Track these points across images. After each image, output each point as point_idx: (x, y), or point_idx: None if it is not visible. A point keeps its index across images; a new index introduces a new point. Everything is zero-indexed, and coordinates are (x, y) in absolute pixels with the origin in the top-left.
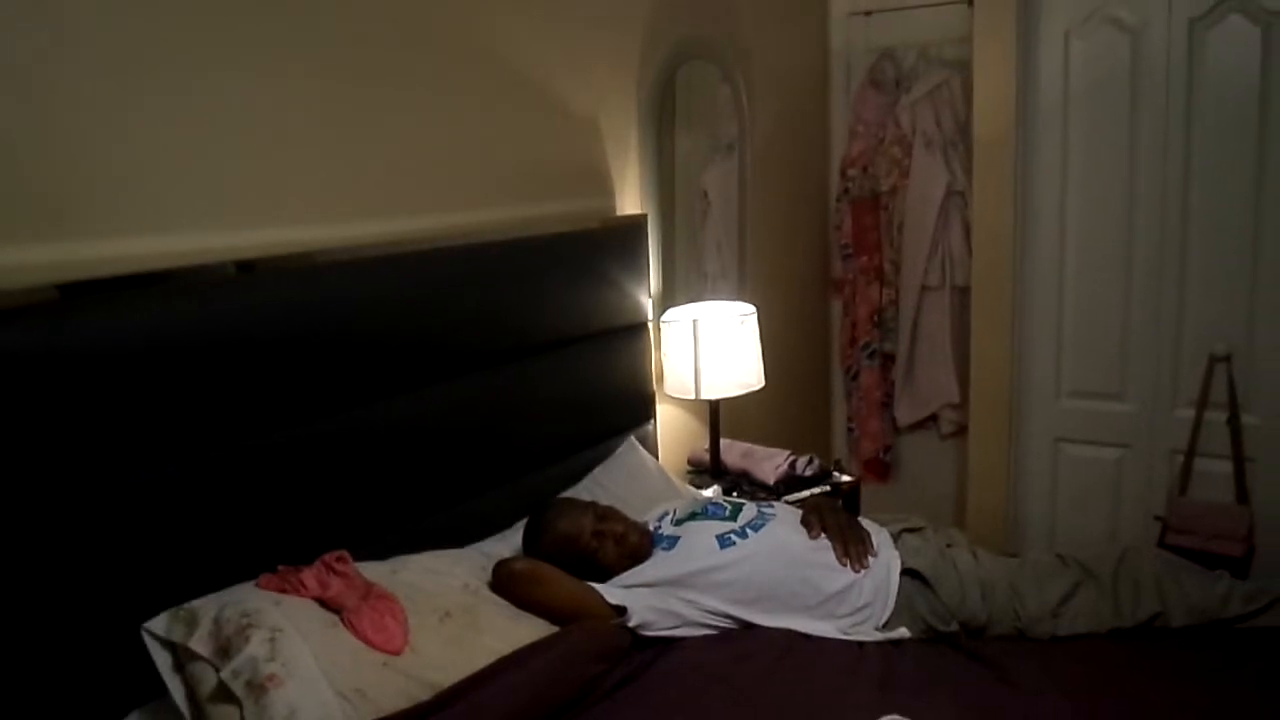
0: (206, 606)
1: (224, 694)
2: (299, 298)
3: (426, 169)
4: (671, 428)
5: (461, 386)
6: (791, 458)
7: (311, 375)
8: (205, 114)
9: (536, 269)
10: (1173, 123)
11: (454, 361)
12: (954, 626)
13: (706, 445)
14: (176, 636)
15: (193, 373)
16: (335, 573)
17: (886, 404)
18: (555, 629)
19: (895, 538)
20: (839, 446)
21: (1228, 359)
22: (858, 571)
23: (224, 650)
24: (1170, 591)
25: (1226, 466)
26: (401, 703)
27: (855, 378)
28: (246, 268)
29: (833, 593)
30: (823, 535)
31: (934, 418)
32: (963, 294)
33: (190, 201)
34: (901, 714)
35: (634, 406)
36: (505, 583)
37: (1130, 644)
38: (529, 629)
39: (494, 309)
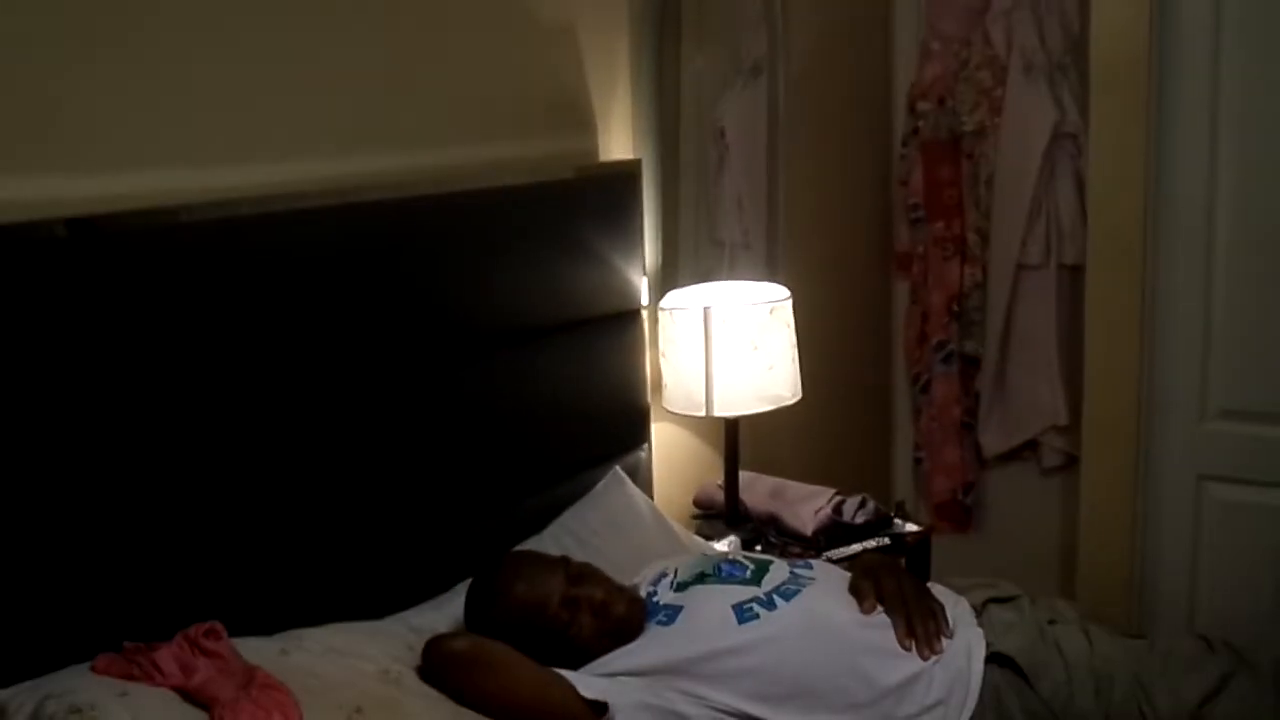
0: (19, 698)
1: None
2: (152, 267)
3: (340, 96)
4: (672, 456)
5: (381, 393)
6: (837, 499)
7: (168, 376)
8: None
9: (489, 234)
10: None
11: (370, 360)
12: None
13: (720, 480)
14: None
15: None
16: (204, 652)
17: (968, 426)
18: None
19: (978, 611)
20: (902, 484)
21: None
22: (926, 658)
23: None
24: None
25: None
26: None
27: (926, 389)
28: (82, 226)
29: (892, 686)
30: (879, 608)
31: (1033, 445)
32: (1074, 276)
33: (18, 140)
34: None
35: (621, 425)
36: (441, 668)
37: None
38: None
39: (429, 287)
